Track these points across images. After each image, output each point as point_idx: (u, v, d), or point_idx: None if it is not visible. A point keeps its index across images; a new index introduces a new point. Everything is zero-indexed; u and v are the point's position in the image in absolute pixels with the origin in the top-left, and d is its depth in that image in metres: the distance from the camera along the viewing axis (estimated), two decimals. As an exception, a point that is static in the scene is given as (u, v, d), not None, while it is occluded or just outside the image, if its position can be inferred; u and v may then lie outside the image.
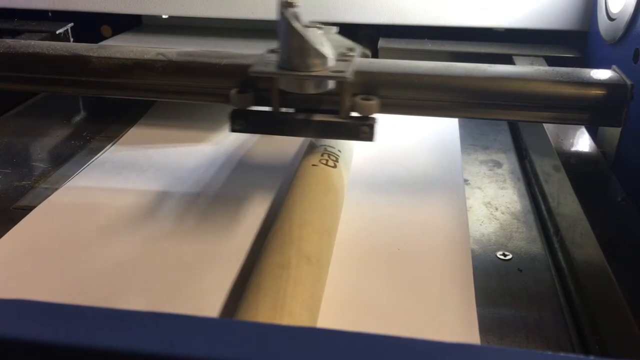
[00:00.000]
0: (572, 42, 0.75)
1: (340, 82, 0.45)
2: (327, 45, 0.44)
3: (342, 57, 0.45)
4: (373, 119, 0.46)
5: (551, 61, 0.71)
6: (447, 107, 0.49)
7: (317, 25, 0.43)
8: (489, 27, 0.76)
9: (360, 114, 0.46)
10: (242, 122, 0.47)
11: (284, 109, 0.47)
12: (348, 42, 0.48)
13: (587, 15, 0.72)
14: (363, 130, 0.46)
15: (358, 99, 0.46)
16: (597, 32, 0.66)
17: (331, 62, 0.43)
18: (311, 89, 0.45)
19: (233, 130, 0.47)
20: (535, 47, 0.75)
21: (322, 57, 0.43)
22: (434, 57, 0.72)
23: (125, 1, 0.80)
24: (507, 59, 0.72)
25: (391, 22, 0.76)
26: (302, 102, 0.48)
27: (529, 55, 0.73)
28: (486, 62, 0.51)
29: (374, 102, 0.46)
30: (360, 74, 0.47)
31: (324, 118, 0.47)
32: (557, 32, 0.75)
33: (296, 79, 0.44)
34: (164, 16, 0.85)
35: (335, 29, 0.50)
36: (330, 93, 0.46)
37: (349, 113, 0.47)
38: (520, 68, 0.52)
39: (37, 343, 0.20)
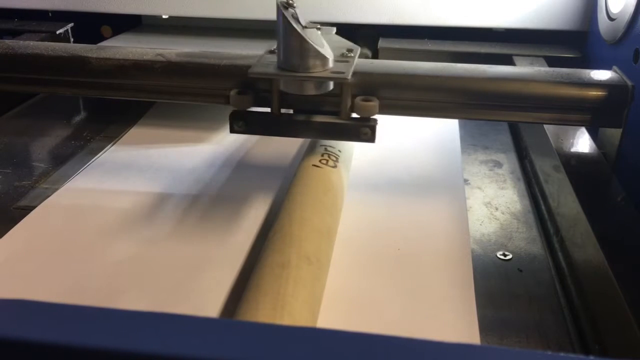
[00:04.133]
0: (572, 42, 0.75)
1: (340, 83, 0.45)
2: (327, 46, 0.44)
3: (342, 57, 0.45)
4: (374, 120, 0.46)
5: (551, 61, 0.71)
6: (447, 108, 0.49)
7: (316, 26, 0.43)
8: (489, 27, 0.76)
9: (361, 115, 0.46)
10: (242, 123, 0.47)
11: (284, 110, 0.47)
12: (347, 43, 0.48)
13: (587, 15, 0.72)
14: (364, 132, 0.46)
15: (358, 100, 0.46)
16: (597, 32, 0.66)
17: (331, 63, 0.43)
18: (311, 90, 0.45)
19: (233, 131, 0.47)
20: (535, 47, 0.75)
21: (322, 57, 0.43)
22: (434, 57, 0.72)
23: (125, 1, 0.80)
24: (507, 59, 0.72)
25: (391, 22, 0.76)
26: (302, 103, 0.48)
27: (529, 55, 0.73)
28: (486, 62, 0.51)
29: (374, 103, 0.46)
30: (360, 74, 0.47)
31: (324, 119, 0.47)
32: (557, 32, 0.75)
33: (296, 80, 0.44)
34: (164, 16, 0.85)
35: (334, 29, 0.50)
36: (330, 94, 0.46)
37: (349, 114, 0.46)
38: (520, 69, 0.52)
39: (37, 343, 0.20)
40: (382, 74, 0.49)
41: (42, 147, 0.63)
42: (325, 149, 0.49)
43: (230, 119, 0.47)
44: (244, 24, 0.81)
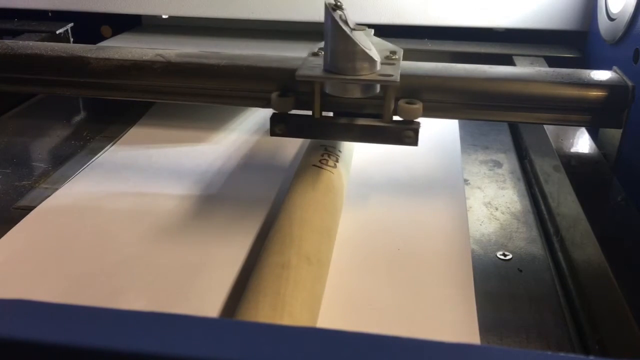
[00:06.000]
0: (572, 42, 0.75)
1: (385, 86, 0.44)
2: (374, 48, 0.43)
3: (387, 60, 0.45)
4: (417, 123, 0.46)
5: (551, 61, 0.71)
6: (447, 108, 0.49)
7: (363, 28, 0.43)
8: (489, 27, 0.76)
9: (404, 118, 0.46)
10: (282, 126, 0.46)
11: (324, 113, 0.47)
12: (388, 45, 0.48)
13: (587, 15, 0.72)
14: (407, 135, 0.45)
15: (402, 102, 0.45)
16: (597, 32, 0.66)
17: (378, 65, 0.43)
18: (357, 93, 0.44)
19: (273, 134, 0.47)
20: (535, 47, 0.75)
21: (370, 60, 0.42)
22: (434, 57, 0.72)
23: (125, 1, 0.80)
24: (507, 59, 0.72)
25: (391, 22, 0.76)
26: (343, 106, 0.47)
27: (529, 55, 0.73)
28: (486, 62, 0.51)
29: (418, 105, 0.45)
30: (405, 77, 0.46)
31: (367, 122, 0.46)
32: (557, 32, 0.75)
33: (342, 83, 0.43)
34: (164, 16, 0.85)
35: (372, 31, 0.49)
36: (372, 97, 0.45)
37: (391, 117, 0.46)
38: (520, 69, 0.52)
39: (37, 343, 0.20)
40: (426, 76, 0.48)
41: (42, 147, 0.63)
42: (325, 149, 0.49)
43: (270, 122, 0.46)
44: (244, 24, 0.81)
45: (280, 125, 0.46)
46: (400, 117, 0.46)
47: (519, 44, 0.76)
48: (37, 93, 0.73)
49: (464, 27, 0.76)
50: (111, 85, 0.53)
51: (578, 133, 0.56)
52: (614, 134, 0.51)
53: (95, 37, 0.81)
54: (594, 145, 0.54)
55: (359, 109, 0.47)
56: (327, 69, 0.43)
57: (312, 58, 0.46)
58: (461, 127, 0.65)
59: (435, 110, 0.49)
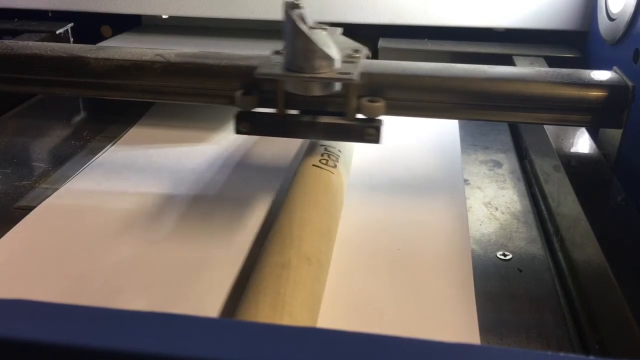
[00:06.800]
0: (572, 42, 0.75)
1: (347, 84, 0.45)
2: (333, 46, 0.43)
3: (349, 58, 0.45)
4: (379, 120, 0.46)
5: (551, 61, 0.71)
6: (448, 108, 0.49)
7: (323, 27, 0.43)
8: (489, 27, 0.76)
9: (366, 115, 0.46)
10: (247, 124, 0.47)
11: (288, 111, 0.47)
12: (353, 43, 0.48)
13: (587, 15, 0.72)
14: (369, 133, 0.46)
15: (364, 100, 0.46)
16: (597, 32, 0.66)
17: (337, 63, 0.43)
18: (317, 91, 0.44)
19: (238, 132, 0.47)
20: (535, 47, 0.75)
21: (329, 58, 0.42)
22: (434, 57, 0.72)
23: (125, 1, 0.80)
24: (507, 59, 0.72)
25: (391, 22, 0.76)
26: (307, 104, 0.48)
27: (529, 56, 0.73)
28: (486, 62, 0.51)
29: (380, 103, 0.46)
30: (367, 75, 0.47)
31: (329, 120, 0.46)
32: (557, 32, 0.75)
33: (302, 81, 0.44)
34: (164, 16, 0.85)
35: (340, 30, 0.50)
36: (335, 95, 0.46)
37: (354, 115, 0.46)
38: (521, 69, 0.52)
39: (37, 343, 0.20)
40: (388, 74, 0.49)
41: (42, 147, 0.63)
42: (325, 149, 0.49)
43: (235, 120, 0.47)
44: (244, 24, 0.81)
45: (244, 124, 0.47)
46: (363, 114, 0.46)
47: (519, 44, 0.76)
48: (37, 93, 0.73)
49: (464, 27, 0.76)
50: (111, 85, 0.53)
51: (578, 133, 0.56)
52: (614, 134, 0.51)
53: (95, 37, 0.81)
54: (594, 145, 0.54)
55: (323, 107, 0.48)
56: (287, 67, 0.43)
57: (274, 56, 0.46)
58: (461, 127, 0.65)
59: (434, 111, 0.49)
